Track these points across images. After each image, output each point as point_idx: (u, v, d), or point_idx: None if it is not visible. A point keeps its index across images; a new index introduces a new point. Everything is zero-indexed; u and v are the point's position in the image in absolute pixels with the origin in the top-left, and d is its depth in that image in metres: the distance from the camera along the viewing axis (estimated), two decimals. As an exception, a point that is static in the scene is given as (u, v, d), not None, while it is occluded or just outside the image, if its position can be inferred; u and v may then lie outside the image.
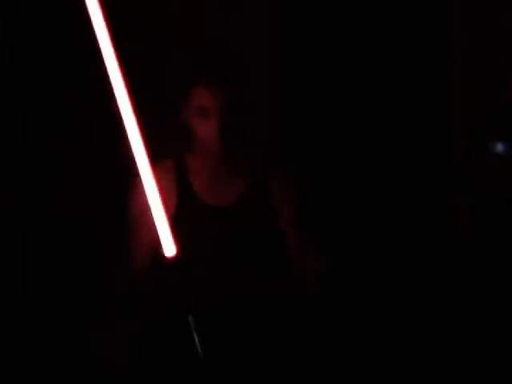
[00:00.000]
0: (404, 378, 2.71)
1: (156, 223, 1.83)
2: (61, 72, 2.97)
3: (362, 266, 3.11)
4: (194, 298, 2.08)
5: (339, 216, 3.18)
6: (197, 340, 1.90)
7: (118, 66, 1.89)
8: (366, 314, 2.97)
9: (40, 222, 2.96)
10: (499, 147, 2.85)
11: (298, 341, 2.29)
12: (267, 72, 3.17)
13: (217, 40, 2.88)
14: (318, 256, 2.13)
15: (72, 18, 2.97)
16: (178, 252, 1.80)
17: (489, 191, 2.86)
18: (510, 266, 2.73)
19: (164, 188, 2.17)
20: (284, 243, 2.25)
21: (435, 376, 2.66)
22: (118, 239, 2.36)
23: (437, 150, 3.22)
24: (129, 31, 2.98)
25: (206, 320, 2.10)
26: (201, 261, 2.04)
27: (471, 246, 2.86)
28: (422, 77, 3.23)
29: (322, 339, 2.62)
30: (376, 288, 3.05)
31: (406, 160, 3.22)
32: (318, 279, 2.14)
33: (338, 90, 3.25)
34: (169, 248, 1.82)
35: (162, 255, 1.81)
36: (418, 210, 3.19)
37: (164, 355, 2.14)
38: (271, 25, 3.19)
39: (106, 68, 1.83)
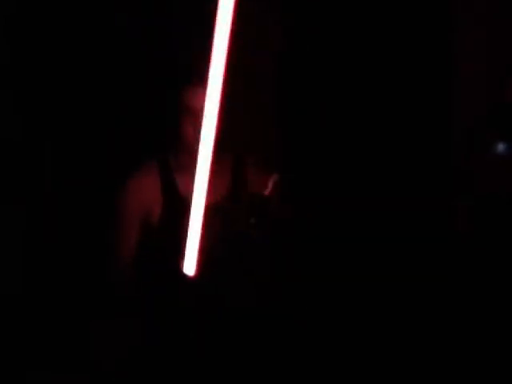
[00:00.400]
0: (403, 378, 2.71)
1: (188, 241, 1.83)
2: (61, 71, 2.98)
3: (361, 266, 3.11)
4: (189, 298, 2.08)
5: (338, 215, 3.18)
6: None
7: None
8: (366, 314, 2.96)
9: (40, 222, 2.96)
10: (499, 147, 2.85)
11: (293, 339, 2.29)
12: (270, 74, 3.18)
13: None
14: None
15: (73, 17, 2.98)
16: (195, 275, 1.82)
17: (489, 191, 2.86)
18: (510, 266, 2.73)
19: (149, 189, 2.18)
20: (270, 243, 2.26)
21: (434, 376, 2.65)
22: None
23: (437, 150, 3.22)
24: (127, 29, 3.00)
25: (204, 319, 2.10)
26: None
27: (471, 246, 2.86)
28: (422, 77, 3.23)
29: (320, 339, 2.62)
30: (375, 288, 3.05)
31: (405, 160, 3.22)
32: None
33: (338, 90, 3.25)
34: (189, 267, 1.83)
35: (176, 269, 1.82)
36: (418, 210, 3.19)
37: (164, 355, 2.14)
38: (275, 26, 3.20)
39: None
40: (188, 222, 1.99)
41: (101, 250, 2.41)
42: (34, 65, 2.93)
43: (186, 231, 1.94)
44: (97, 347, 2.25)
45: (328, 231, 3.16)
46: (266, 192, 2.10)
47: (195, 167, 2.16)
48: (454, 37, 3.18)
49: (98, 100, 3.01)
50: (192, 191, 2.13)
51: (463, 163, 3.03)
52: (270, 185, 2.12)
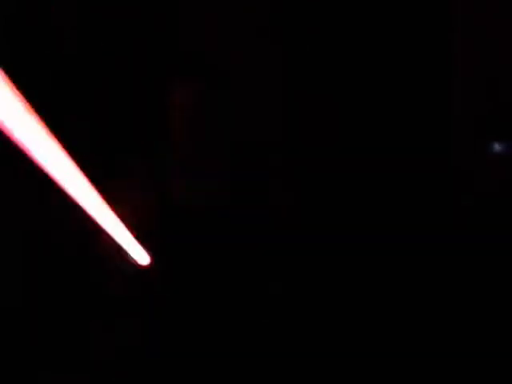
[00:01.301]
0: (402, 378, 2.71)
1: (120, 240, 1.80)
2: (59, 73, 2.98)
3: (360, 267, 3.11)
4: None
5: (338, 215, 3.18)
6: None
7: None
8: (364, 314, 2.96)
9: (40, 222, 2.96)
10: (499, 147, 2.85)
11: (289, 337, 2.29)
12: (275, 74, 3.18)
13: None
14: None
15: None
16: (151, 259, 1.80)
17: (489, 191, 2.86)
18: (510, 267, 2.73)
19: (136, 189, 2.18)
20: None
21: (433, 377, 2.65)
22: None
23: (437, 150, 3.22)
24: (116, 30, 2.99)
25: (197, 318, 2.10)
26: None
27: (471, 247, 2.86)
28: (422, 77, 3.23)
29: (320, 340, 2.62)
30: (374, 288, 3.05)
31: (406, 160, 3.22)
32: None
33: (338, 90, 3.25)
34: (142, 258, 1.81)
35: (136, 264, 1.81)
36: (418, 209, 3.19)
37: (164, 354, 2.14)
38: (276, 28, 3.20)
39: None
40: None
41: (99, 250, 2.41)
42: (33, 64, 2.93)
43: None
44: (97, 347, 2.25)
45: (328, 227, 3.15)
46: None
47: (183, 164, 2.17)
48: (454, 37, 3.18)
49: (91, 101, 3.01)
50: (177, 191, 2.15)
51: (463, 163, 3.03)
52: None
